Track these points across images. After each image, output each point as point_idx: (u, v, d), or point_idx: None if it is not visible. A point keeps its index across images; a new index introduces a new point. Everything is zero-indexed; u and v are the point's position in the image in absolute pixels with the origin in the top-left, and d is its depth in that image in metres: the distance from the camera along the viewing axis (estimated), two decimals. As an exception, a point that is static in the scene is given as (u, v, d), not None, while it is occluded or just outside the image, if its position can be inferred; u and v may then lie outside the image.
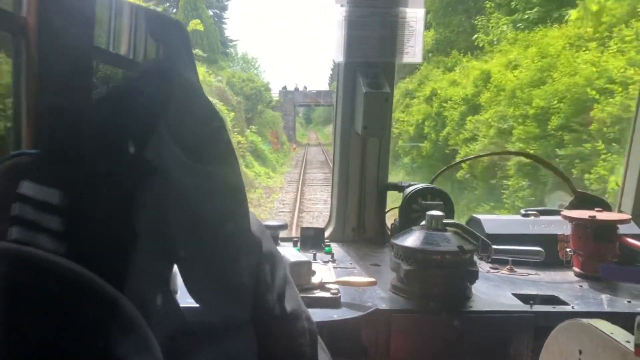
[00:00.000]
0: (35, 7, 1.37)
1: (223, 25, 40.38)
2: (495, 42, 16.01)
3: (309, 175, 22.25)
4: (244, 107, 25.43)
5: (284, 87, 45.90)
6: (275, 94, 41.97)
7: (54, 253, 0.81)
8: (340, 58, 2.10)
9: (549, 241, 1.96)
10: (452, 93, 15.42)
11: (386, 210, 2.31)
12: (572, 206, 2.17)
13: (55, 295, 0.73)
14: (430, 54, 19.88)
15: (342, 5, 2.07)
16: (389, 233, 2.25)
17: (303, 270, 1.56)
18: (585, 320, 1.06)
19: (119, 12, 1.41)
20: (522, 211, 2.22)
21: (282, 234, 2.05)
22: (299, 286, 1.53)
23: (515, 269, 1.91)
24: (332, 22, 2.06)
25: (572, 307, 1.58)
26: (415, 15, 2.10)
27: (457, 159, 11.45)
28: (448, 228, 1.64)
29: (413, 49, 2.13)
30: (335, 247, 2.12)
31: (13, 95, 1.42)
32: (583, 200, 2.18)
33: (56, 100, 1.34)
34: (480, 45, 16.63)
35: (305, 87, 47.06)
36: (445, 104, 15.51)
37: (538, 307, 1.57)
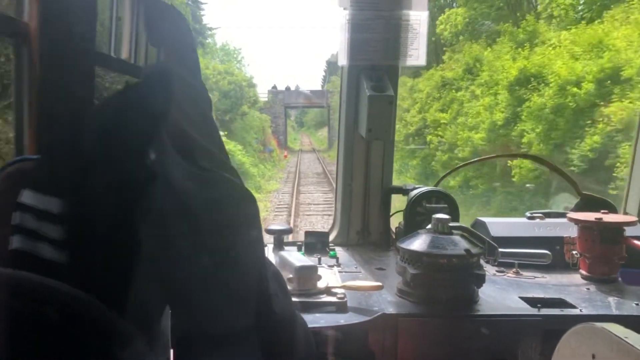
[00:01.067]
0: (37, 12, 1.37)
1: (200, 12, 35.68)
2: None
3: (304, 195, 16.87)
4: (221, 106, 21.73)
5: (274, 87, 42.61)
6: (263, 95, 38.79)
7: (55, 262, 0.80)
8: (344, 61, 2.09)
9: (554, 244, 1.95)
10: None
11: (390, 214, 2.29)
12: (578, 208, 2.16)
13: (53, 323, 0.71)
14: (460, 36, 18.09)
15: (345, 9, 2.06)
16: (394, 236, 2.24)
17: (309, 274, 1.55)
18: (598, 324, 1.05)
19: (120, 16, 1.41)
20: (528, 213, 2.21)
21: (287, 238, 2.04)
22: (305, 291, 1.53)
23: (521, 272, 1.90)
24: (336, 25, 2.06)
25: (580, 310, 1.56)
26: (418, 18, 2.10)
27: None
28: (454, 231, 1.63)
29: (417, 52, 2.12)
30: (339, 251, 2.10)
31: (15, 100, 1.42)
32: (588, 202, 2.17)
33: (58, 105, 1.33)
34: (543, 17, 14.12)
35: (297, 87, 44.14)
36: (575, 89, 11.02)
37: (546, 311, 1.55)
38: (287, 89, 42.14)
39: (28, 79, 1.38)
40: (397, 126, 2.16)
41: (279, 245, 1.93)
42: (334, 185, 2.41)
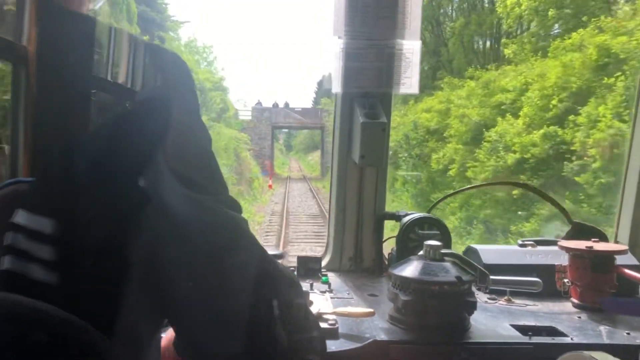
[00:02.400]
0: (35, 36, 1.39)
1: (164, 3, 27.76)
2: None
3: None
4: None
5: (258, 103, 36.66)
6: (245, 113, 34.95)
7: (46, 283, 0.80)
8: (337, 88, 2.12)
9: (546, 272, 1.95)
10: None
11: (383, 240, 2.30)
12: (569, 236, 2.18)
13: (44, 347, 0.71)
14: (518, 31, 18.14)
15: (339, 37, 2.10)
16: (386, 263, 2.24)
17: None
18: (587, 353, 1.05)
19: (118, 43, 1.43)
20: (520, 241, 2.22)
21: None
22: None
23: (513, 300, 1.90)
24: (330, 53, 2.09)
25: (571, 339, 1.56)
26: (411, 47, 2.14)
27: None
28: (446, 258, 1.64)
29: (409, 80, 2.15)
30: (332, 277, 2.10)
31: (11, 122, 1.43)
32: (580, 230, 2.18)
33: (53, 128, 1.34)
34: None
35: (286, 104, 37.82)
36: None
37: (537, 339, 1.55)
38: (275, 106, 36.70)
39: (25, 102, 1.39)
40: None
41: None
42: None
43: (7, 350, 0.67)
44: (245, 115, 35.59)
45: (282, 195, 23.92)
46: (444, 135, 16.92)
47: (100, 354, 0.77)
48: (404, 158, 18.08)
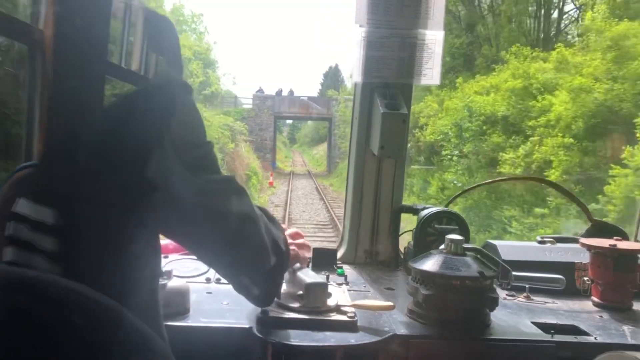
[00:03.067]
0: (52, 19, 1.36)
1: None
2: None
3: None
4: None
5: (259, 90, 33.46)
6: (246, 101, 32.34)
7: (48, 273, 0.78)
8: (358, 78, 2.08)
9: (565, 269, 1.92)
10: None
11: (399, 233, 2.27)
12: (589, 234, 2.14)
13: (78, 328, 0.69)
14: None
15: (361, 26, 2.06)
16: (402, 256, 2.22)
17: (319, 291, 1.52)
18: (629, 353, 1.02)
19: (133, 26, 1.40)
20: (539, 238, 2.19)
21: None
22: (315, 308, 1.50)
23: (531, 297, 1.87)
24: (352, 42, 2.06)
25: (595, 338, 1.53)
26: (434, 38, 2.10)
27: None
28: (467, 253, 1.61)
29: (431, 71, 2.12)
30: (347, 269, 2.07)
31: (27, 106, 1.40)
32: (600, 228, 2.15)
33: (68, 112, 1.32)
34: None
35: (291, 92, 34.93)
36: None
37: (559, 337, 1.52)
38: (279, 93, 33.77)
39: (40, 85, 1.37)
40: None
41: None
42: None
43: (45, 331, 0.64)
44: (246, 104, 32.94)
45: (284, 195, 20.93)
46: (523, 125, 12.31)
47: (133, 333, 0.75)
48: (450, 157, 13.90)
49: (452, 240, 1.61)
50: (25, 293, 0.68)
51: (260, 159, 27.43)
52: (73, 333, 0.67)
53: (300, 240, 1.60)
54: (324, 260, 2.07)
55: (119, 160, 0.89)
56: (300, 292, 1.51)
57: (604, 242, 1.84)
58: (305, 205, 19.07)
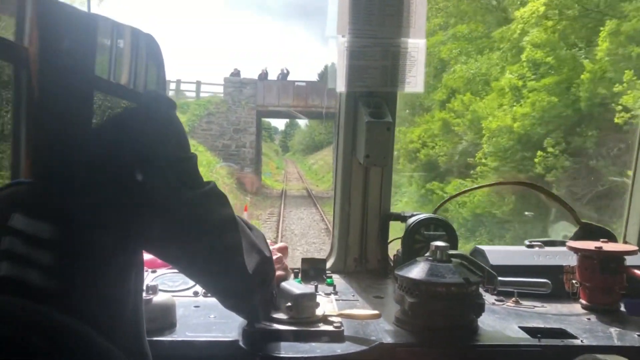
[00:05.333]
0: (37, 38, 1.37)
1: None
2: None
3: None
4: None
5: (235, 72, 23.14)
6: (216, 89, 22.72)
7: (43, 288, 0.78)
8: (342, 87, 2.09)
9: (554, 273, 1.92)
10: None
11: (388, 241, 2.27)
12: (577, 237, 2.15)
13: (41, 350, 0.69)
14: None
15: (343, 36, 2.08)
16: (391, 264, 2.22)
17: (308, 302, 1.52)
18: (601, 356, 1.03)
19: (119, 41, 1.41)
20: (527, 242, 2.19)
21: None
22: (304, 319, 1.50)
23: (520, 301, 1.88)
24: (335, 52, 2.07)
25: (582, 341, 1.54)
26: (416, 46, 2.11)
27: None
28: (453, 259, 1.61)
29: (415, 79, 2.13)
30: (336, 279, 2.07)
31: (13, 124, 1.41)
32: (588, 231, 2.16)
33: (54, 130, 1.33)
34: None
35: (283, 75, 23.94)
36: None
37: (546, 341, 1.53)
38: (263, 76, 23.01)
39: (26, 104, 1.37)
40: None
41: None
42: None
43: (6, 350, 0.65)
44: (217, 91, 23.47)
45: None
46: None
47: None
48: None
49: (437, 247, 1.61)
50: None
51: (234, 175, 19.20)
52: (32, 355, 0.67)
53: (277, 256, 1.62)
54: (313, 270, 2.07)
55: (111, 176, 0.90)
56: (289, 303, 1.51)
57: (590, 245, 1.84)
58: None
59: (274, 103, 22.64)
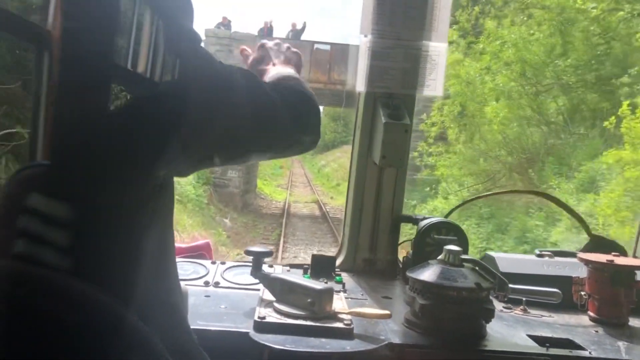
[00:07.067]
0: (60, 21, 1.38)
1: None
2: None
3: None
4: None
5: (224, 22, 16.82)
6: None
7: (58, 268, 0.80)
8: (361, 87, 2.10)
9: (563, 283, 1.92)
10: None
11: (399, 243, 2.28)
12: (587, 249, 2.15)
13: (77, 326, 0.70)
14: None
15: (366, 36, 2.08)
16: (400, 266, 2.22)
17: (328, 298, 1.55)
18: None
19: (140, 29, 1.42)
20: (537, 251, 2.20)
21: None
22: (321, 314, 1.51)
23: (528, 310, 1.88)
24: (357, 51, 2.08)
25: (590, 353, 1.54)
26: (437, 50, 2.12)
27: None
28: (465, 264, 1.62)
29: (434, 82, 2.13)
30: (345, 277, 2.08)
31: (33, 106, 1.42)
32: (598, 243, 2.16)
33: (73, 113, 1.34)
34: None
35: (295, 31, 17.54)
36: None
37: (554, 351, 1.53)
38: (264, 31, 16.83)
39: (47, 86, 1.38)
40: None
41: (259, 266, 1.77)
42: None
43: (43, 326, 0.66)
44: None
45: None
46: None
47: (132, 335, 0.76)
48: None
49: (450, 251, 1.62)
50: (27, 288, 0.69)
51: (210, 189, 13.57)
52: (71, 330, 0.68)
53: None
54: (323, 267, 2.08)
55: (131, 159, 0.91)
56: (310, 299, 1.52)
57: (602, 257, 1.84)
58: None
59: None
